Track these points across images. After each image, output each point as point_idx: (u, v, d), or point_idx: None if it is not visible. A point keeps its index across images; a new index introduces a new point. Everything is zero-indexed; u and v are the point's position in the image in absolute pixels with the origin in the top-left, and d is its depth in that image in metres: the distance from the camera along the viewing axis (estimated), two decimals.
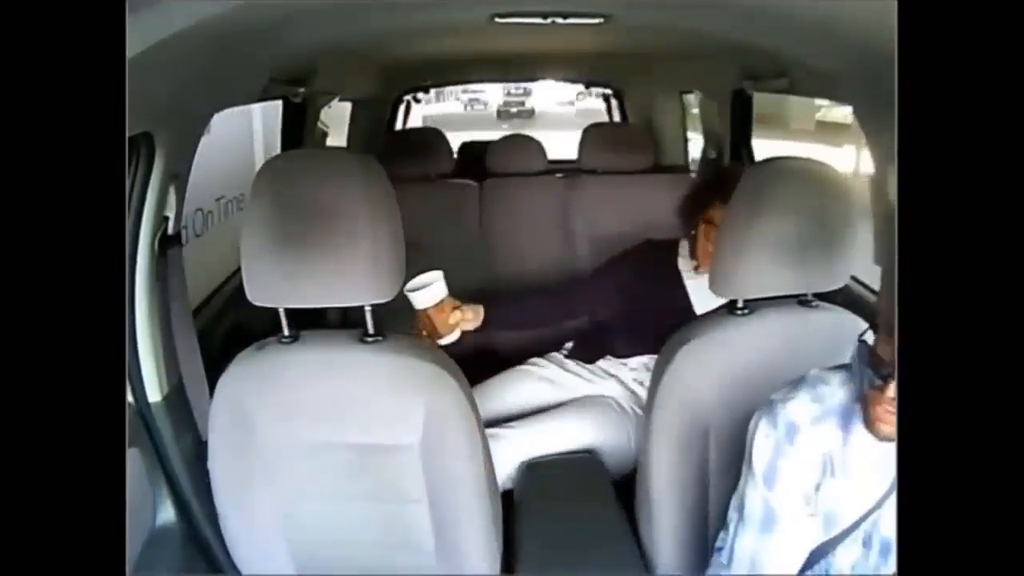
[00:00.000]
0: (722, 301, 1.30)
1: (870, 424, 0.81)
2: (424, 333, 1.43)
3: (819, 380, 0.90)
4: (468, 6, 1.23)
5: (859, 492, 0.87)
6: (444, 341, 1.43)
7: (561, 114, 14.82)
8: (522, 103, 16.41)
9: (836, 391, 0.88)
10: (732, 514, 0.95)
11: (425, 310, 1.40)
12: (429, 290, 1.39)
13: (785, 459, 0.88)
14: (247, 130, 2.91)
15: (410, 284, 1.39)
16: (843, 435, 0.87)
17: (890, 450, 0.84)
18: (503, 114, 15.71)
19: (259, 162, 2.94)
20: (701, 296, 1.55)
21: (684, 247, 1.65)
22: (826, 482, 0.88)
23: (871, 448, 0.85)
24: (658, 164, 2.42)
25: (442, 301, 1.42)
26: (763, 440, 0.90)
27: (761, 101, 2.12)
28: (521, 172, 2.32)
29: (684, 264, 1.63)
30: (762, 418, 0.91)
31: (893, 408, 0.77)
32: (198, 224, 2.31)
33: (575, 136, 2.33)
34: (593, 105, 3.63)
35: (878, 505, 0.87)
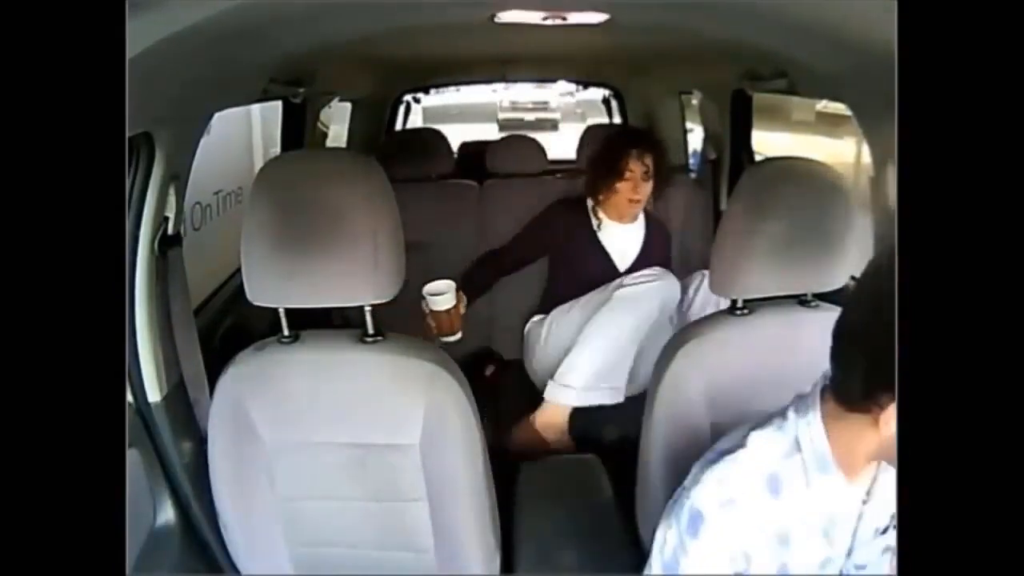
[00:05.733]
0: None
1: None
2: (435, 332, 1.71)
3: (734, 449, 0.76)
4: (468, 6, 1.23)
5: (812, 553, 0.76)
6: (453, 338, 1.72)
7: (562, 105, 14.10)
8: (544, 107, 14.62)
9: (760, 453, 0.75)
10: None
11: (443, 311, 1.69)
12: (450, 296, 1.69)
13: (687, 557, 0.74)
14: (246, 125, 2.91)
15: (430, 288, 1.68)
16: (773, 500, 0.73)
17: (840, 505, 0.75)
18: (507, 124, 12.71)
19: (258, 157, 2.94)
20: (617, 247, 1.93)
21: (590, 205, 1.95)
22: (755, 566, 0.74)
23: (818, 508, 0.74)
24: None
25: (456, 304, 1.71)
26: (663, 533, 0.77)
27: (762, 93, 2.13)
28: (521, 173, 2.33)
29: (593, 219, 1.94)
30: (671, 507, 0.78)
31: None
32: (196, 218, 2.32)
33: (578, 127, 2.34)
34: (594, 96, 3.62)
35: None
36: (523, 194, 2.25)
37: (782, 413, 0.77)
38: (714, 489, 0.74)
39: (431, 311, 1.70)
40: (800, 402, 0.77)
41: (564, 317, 1.83)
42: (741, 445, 0.76)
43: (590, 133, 2.32)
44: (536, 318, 1.96)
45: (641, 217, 1.97)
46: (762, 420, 0.79)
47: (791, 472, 0.73)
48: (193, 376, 1.21)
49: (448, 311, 1.70)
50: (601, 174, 1.89)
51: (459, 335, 1.74)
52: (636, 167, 1.85)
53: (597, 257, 1.93)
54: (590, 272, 1.89)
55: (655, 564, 0.78)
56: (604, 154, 1.90)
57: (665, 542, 0.76)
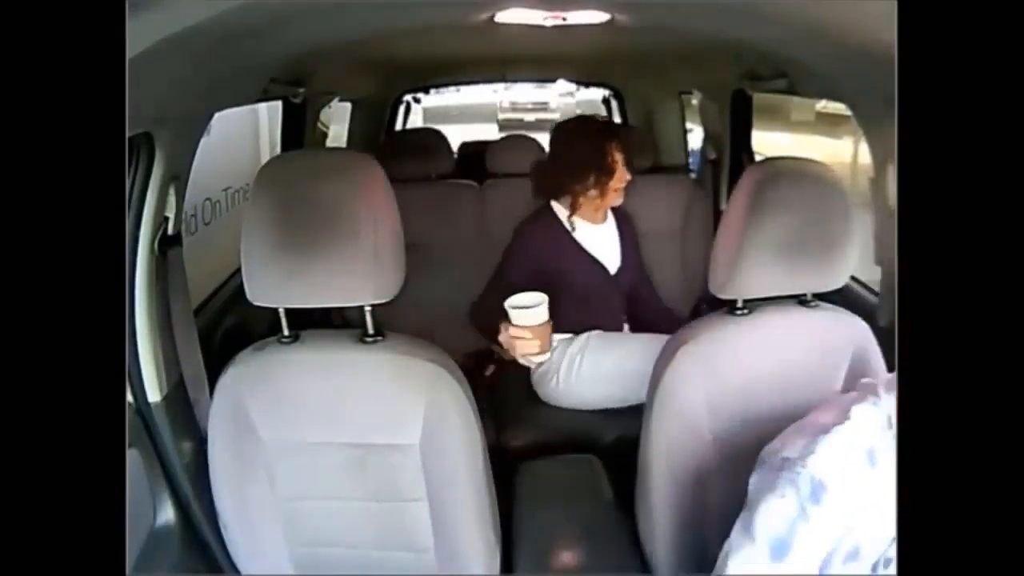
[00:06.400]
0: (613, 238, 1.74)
1: None
2: (538, 351, 1.48)
3: (840, 419, 0.78)
4: (468, 6, 1.23)
5: (886, 518, 0.75)
6: (541, 358, 1.51)
7: (562, 105, 14.05)
8: (544, 107, 14.45)
9: (862, 426, 0.77)
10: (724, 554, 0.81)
11: (530, 327, 1.46)
12: (540, 310, 1.45)
13: (807, 524, 0.74)
14: (253, 122, 2.93)
15: (519, 301, 1.47)
16: (871, 471, 0.75)
17: None
18: (507, 124, 12.61)
19: (264, 154, 2.96)
20: (599, 249, 1.84)
21: (557, 207, 1.85)
22: (848, 536, 0.76)
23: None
24: (658, 164, 2.43)
25: (547, 321, 1.47)
26: (778, 503, 0.75)
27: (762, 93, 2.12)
28: (521, 172, 2.33)
29: (567, 224, 1.83)
30: (776, 479, 0.77)
31: None
32: (206, 213, 2.33)
33: None
34: (594, 96, 3.62)
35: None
36: (523, 194, 2.25)
37: (873, 391, 0.79)
38: (831, 458, 0.75)
39: (525, 327, 1.47)
40: (890, 382, 0.79)
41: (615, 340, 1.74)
42: (846, 417, 0.78)
43: None
44: (558, 337, 1.75)
45: (609, 214, 1.90)
46: (858, 395, 0.81)
47: (885, 447, 0.75)
48: (193, 376, 1.21)
49: (542, 325, 1.47)
50: (590, 175, 1.76)
51: (547, 356, 1.51)
52: (619, 158, 1.77)
53: (587, 265, 1.83)
54: (587, 283, 1.81)
55: (762, 523, 0.76)
56: (590, 153, 1.75)
57: (777, 513, 0.75)
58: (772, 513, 0.76)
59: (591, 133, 1.80)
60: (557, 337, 1.76)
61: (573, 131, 1.84)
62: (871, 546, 0.78)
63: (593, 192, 1.80)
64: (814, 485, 0.75)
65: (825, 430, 0.77)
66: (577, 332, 1.79)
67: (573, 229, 1.84)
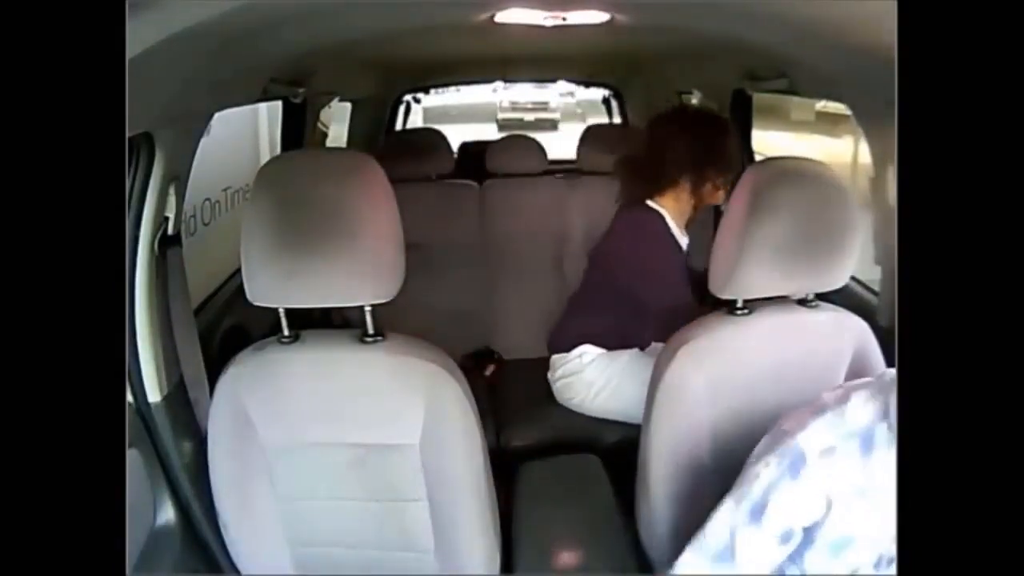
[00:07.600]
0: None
1: None
2: None
3: (839, 402, 0.81)
4: (468, 6, 1.23)
5: (884, 512, 0.78)
6: None
7: (562, 105, 14.00)
8: (544, 107, 13.46)
9: (859, 411, 0.79)
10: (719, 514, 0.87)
11: None
12: None
13: (780, 494, 0.80)
14: (253, 122, 2.92)
15: None
16: (863, 458, 0.78)
17: None
18: (507, 124, 12.63)
19: (264, 154, 2.96)
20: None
21: (664, 213, 1.67)
22: (832, 515, 0.80)
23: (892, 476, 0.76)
24: None
25: None
26: (762, 470, 0.82)
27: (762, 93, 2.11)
28: (521, 173, 2.33)
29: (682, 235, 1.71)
30: (770, 445, 0.83)
31: None
32: (206, 213, 2.33)
33: (578, 127, 2.33)
34: (594, 95, 3.61)
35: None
36: (523, 194, 2.26)
37: (881, 377, 0.82)
38: (819, 436, 0.79)
39: None
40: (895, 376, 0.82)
41: None
42: (845, 401, 0.81)
43: (590, 133, 2.32)
44: (609, 351, 1.72)
45: None
46: (864, 382, 0.83)
47: (881, 435, 0.78)
48: (193, 376, 1.21)
49: None
50: (718, 174, 1.63)
51: None
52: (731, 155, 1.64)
53: (685, 277, 1.66)
54: (683, 292, 1.63)
55: (745, 497, 0.83)
56: (718, 148, 1.61)
57: (758, 477, 0.82)
58: (754, 478, 0.82)
59: (719, 127, 1.65)
60: (595, 351, 1.73)
61: (696, 124, 1.65)
62: (868, 541, 0.80)
63: (720, 194, 1.66)
64: (795, 457, 0.79)
65: (823, 410, 0.81)
66: (642, 347, 1.74)
67: (684, 236, 1.70)
